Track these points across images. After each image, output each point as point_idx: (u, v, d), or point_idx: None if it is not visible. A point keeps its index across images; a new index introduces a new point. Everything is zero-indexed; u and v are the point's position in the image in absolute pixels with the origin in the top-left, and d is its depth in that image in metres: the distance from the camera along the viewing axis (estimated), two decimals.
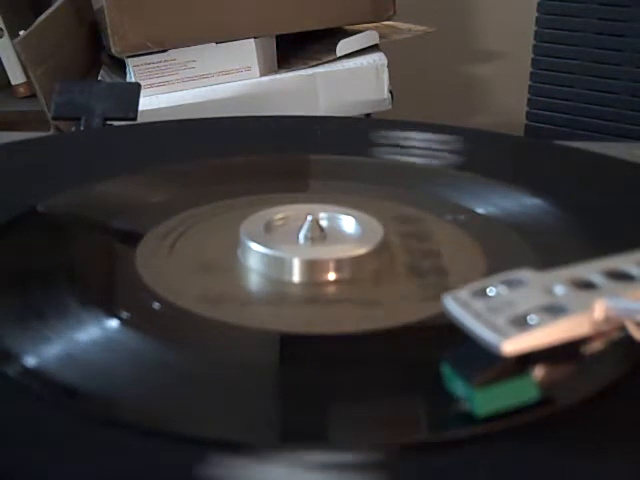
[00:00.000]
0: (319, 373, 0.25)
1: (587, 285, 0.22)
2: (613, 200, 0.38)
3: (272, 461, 0.21)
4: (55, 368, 0.24)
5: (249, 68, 0.84)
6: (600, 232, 0.33)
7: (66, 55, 0.86)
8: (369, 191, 0.38)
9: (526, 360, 0.21)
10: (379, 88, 0.85)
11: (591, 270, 0.23)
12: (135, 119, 0.53)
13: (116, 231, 0.35)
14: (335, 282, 0.30)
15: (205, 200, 0.37)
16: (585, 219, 0.35)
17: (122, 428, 0.22)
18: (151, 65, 0.82)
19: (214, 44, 0.83)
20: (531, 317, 0.21)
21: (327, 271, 0.30)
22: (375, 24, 0.90)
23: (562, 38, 0.94)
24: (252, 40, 0.83)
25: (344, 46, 0.85)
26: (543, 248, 0.33)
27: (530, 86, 0.97)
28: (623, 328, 0.22)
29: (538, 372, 0.22)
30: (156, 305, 0.28)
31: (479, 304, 0.22)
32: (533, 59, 0.97)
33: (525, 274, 0.23)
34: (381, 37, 0.88)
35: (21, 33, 0.81)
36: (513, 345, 0.21)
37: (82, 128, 0.52)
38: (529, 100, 0.98)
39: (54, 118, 0.56)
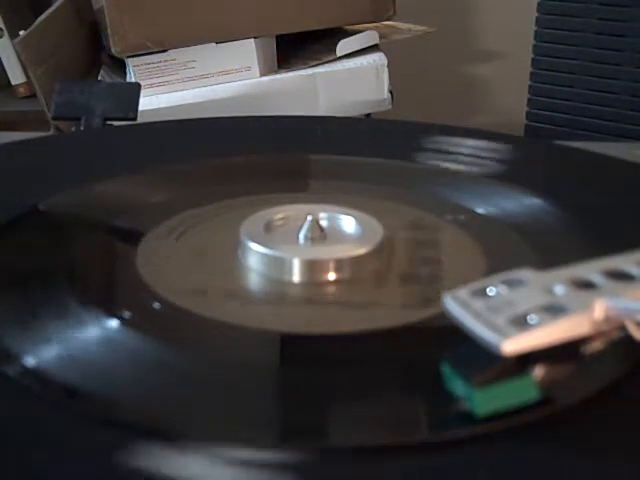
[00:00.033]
0: (319, 373, 0.25)
1: (587, 285, 0.22)
2: (613, 200, 0.38)
3: (192, 453, 0.21)
4: (55, 368, 0.24)
5: (249, 68, 0.84)
6: (600, 232, 0.33)
7: (66, 55, 0.86)
8: (369, 191, 0.38)
9: (526, 360, 0.21)
10: (379, 88, 0.85)
11: (591, 270, 0.23)
12: (135, 119, 0.53)
13: (116, 231, 0.35)
14: (335, 282, 0.30)
15: (205, 200, 0.37)
16: (585, 219, 0.35)
17: (122, 428, 0.22)
18: (151, 65, 0.82)
19: (214, 44, 0.83)
20: (531, 317, 0.21)
21: (327, 271, 0.30)
22: (375, 24, 0.90)
23: (562, 38, 0.94)
24: (252, 40, 0.83)
25: (344, 46, 0.85)
26: (543, 248, 0.33)
27: (530, 86, 0.97)
28: (623, 328, 0.22)
29: (538, 372, 0.22)
30: (156, 305, 0.28)
31: (479, 304, 0.22)
32: (533, 59, 0.97)
33: (525, 274, 0.23)
34: (381, 37, 0.88)
35: (21, 33, 0.81)
36: (513, 345, 0.21)
37: (82, 128, 0.52)
38: (529, 100, 0.98)
39: (54, 118, 0.56)
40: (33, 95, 0.92)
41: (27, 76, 0.98)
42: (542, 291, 0.22)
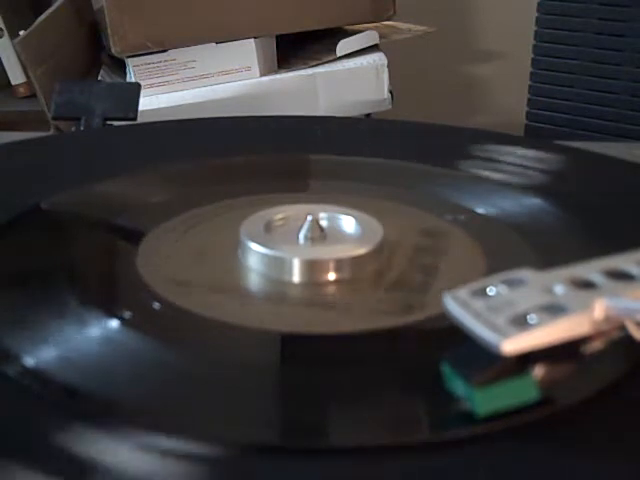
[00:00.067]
0: (319, 373, 0.25)
1: (587, 285, 0.22)
2: (613, 200, 0.38)
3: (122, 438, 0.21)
4: (55, 368, 0.24)
5: (249, 68, 0.84)
6: (600, 232, 0.33)
7: (66, 55, 0.86)
8: (369, 191, 0.38)
9: (526, 360, 0.21)
10: (379, 88, 0.85)
11: (591, 270, 0.23)
12: (135, 119, 0.53)
13: (116, 231, 0.35)
14: (335, 282, 0.30)
15: (205, 200, 0.37)
16: (585, 219, 0.35)
17: (122, 428, 0.22)
18: (151, 65, 0.82)
19: (214, 44, 0.83)
20: (531, 317, 0.21)
21: (327, 271, 0.30)
22: (375, 24, 0.90)
23: (562, 38, 0.94)
24: (252, 40, 0.83)
25: (344, 46, 0.85)
26: (543, 248, 0.33)
27: (530, 86, 0.97)
28: (623, 328, 0.22)
29: (538, 372, 0.22)
30: (156, 305, 0.28)
31: (479, 304, 0.22)
32: (533, 59, 0.97)
33: (525, 274, 0.23)
34: (381, 37, 0.88)
35: (21, 33, 0.81)
36: (513, 345, 0.21)
37: (82, 128, 0.52)
38: (529, 100, 0.98)
39: (54, 118, 0.56)
40: (33, 95, 0.92)
41: (27, 76, 0.98)
42: (542, 291, 0.22)
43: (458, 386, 0.22)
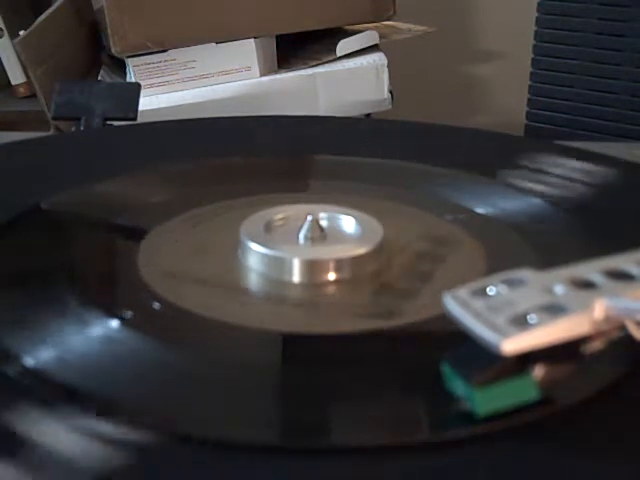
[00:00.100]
0: (319, 373, 0.25)
1: (587, 285, 0.22)
2: (613, 200, 0.38)
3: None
4: (55, 368, 0.24)
5: (249, 68, 0.84)
6: (600, 232, 0.33)
7: (66, 55, 0.86)
8: (369, 191, 0.38)
9: (526, 360, 0.21)
10: (379, 88, 0.85)
11: (591, 270, 0.23)
12: (135, 119, 0.53)
13: (116, 231, 0.35)
14: (335, 282, 0.30)
15: (205, 200, 0.37)
16: (585, 219, 0.35)
17: (122, 428, 0.22)
18: (151, 65, 0.82)
19: (214, 44, 0.83)
20: (531, 316, 0.21)
21: (327, 271, 0.30)
22: (375, 24, 0.90)
23: (562, 38, 0.94)
24: (252, 40, 0.83)
25: (344, 46, 0.85)
26: (543, 248, 0.33)
27: (530, 86, 0.97)
28: (623, 328, 0.22)
29: (538, 372, 0.22)
30: (156, 305, 0.28)
31: (479, 303, 0.22)
32: (533, 59, 0.97)
33: (525, 274, 0.23)
34: (381, 37, 0.88)
35: (21, 33, 0.81)
36: (513, 344, 0.21)
37: (82, 128, 0.52)
38: (529, 100, 0.98)
39: (54, 118, 0.56)
40: (33, 95, 0.91)
41: (27, 76, 0.98)
42: (542, 291, 0.22)
43: (458, 386, 0.22)
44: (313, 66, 0.84)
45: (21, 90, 1.05)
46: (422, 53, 1.16)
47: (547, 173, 0.41)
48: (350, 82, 0.84)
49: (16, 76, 1.04)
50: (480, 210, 0.36)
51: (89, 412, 0.22)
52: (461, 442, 0.21)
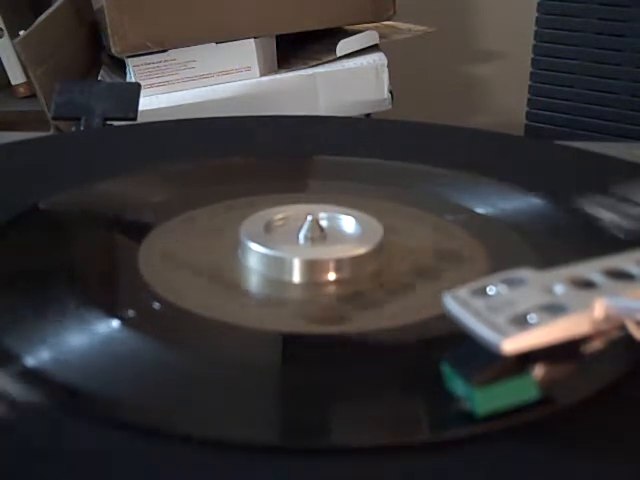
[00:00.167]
0: (319, 373, 0.25)
1: (587, 284, 0.22)
2: (613, 200, 0.37)
3: None
4: (55, 368, 0.24)
5: (249, 68, 0.84)
6: (600, 232, 0.33)
7: (66, 55, 0.86)
8: (369, 191, 0.38)
9: (526, 359, 0.21)
10: (379, 88, 0.85)
11: (591, 269, 0.23)
12: (135, 119, 0.53)
13: (116, 231, 0.35)
14: (335, 282, 0.30)
15: (205, 200, 0.37)
16: (585, 219, 0.35)
17: (122, 428, 0.22)
18: (151, 65, 0.82)
19: (214, 44, 0.83)
20: (531, 316, 0.21)
21: (327, 271, 0.30)
22: (375, 24, 0.90)
23: (562, 38, 0.94)
24: (252, 40, 0.83)
25: (344, 46, 0.85)
26: (543, 248, 0.33)
27: (530, 86, 0.97)
28: (623, 327, 0.22)
29: (538, 371, 0.22)
30: (156, 305, 0.28)
31: (479, 303, 0.22)
32: (533, 59, 0.97)
33: (525, 273, 0.23)
34: (381, 37, 0.88)
35: (21, 33, 0.81)
36: (513, 344, 0.21)
37: (82, 128, 0.52)
38: (529, 100, 0.98)
39: (54, 118, 0.56)
40: (33, 95, 0.91)
41: (27, 76, 0.98)
42: (542, 290, 0.22)
43: (458, 386, 0.22)
44: (313, 66, 0.84)
45: (21, 90, 1.05)
46: (422, 53, 1.16)
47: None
48: (350, 82, 0.84)
49: (16, 76, 1.04)
50: (480, 210, 0.36)
51: (89, 412, 0.22)
52: (461, 442, 0.21)
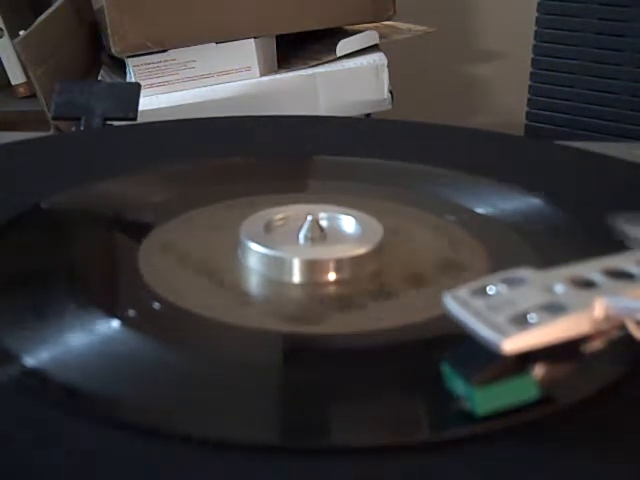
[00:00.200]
0: (319, 373, 0.25)
1: (587, 284, 0.22)
2: (613, 200, 0.37)
3: None
4: (55, 368, 0.24)
5: (249, 68, 0.84)
6: (600, 232, 0.33)
7: (66, 55, 0.86)
8: (369, 191, 0.38)
9: (526, 359, 0.21)
10: (379, 88, 0.85)
11: (591, 269, 0.23)
12: (135, 119, 0.53)
13: (116, 231, 0.35)
14: (335, 282, 0.30)
15: (205, 200, 0.37)
16: (585, 219, 0.35)
17: (122, 428, 0.22)
18: (151, 65, 0.82)
19: (214, 44, 0.83)
20: (531, 316, 0.21)
21: (327, 271, 0.30)
22: (375, 24, 0.90)
23: (562, 38, 0.94)
24: (252, 40, 0.83)
25: (344, 46, 0.85)
26: (543, 248, 0.33)
27: (530, 86, 0.97)
28: (623, 327, 0.22)
29: (538, 371, 0.22)
30: (157, 305, 0.28)
31: (479, 303, 0.22)
32: (533, 59, 0.97)
33: (525, 273, 0.23)
34: (381, 37, 0.88)
35: (21, 33, 0.81)
36: (513, 344, 0.21)
37: (82, 128, 0.52)
38: (529, 100, 0.98)
39: (54, 118, 0.56)
40: (33, 95, 0.91)
41: (27, 76, 0.98)
42: (542, 290, 0.22)
43: (458, 385, 0.22)
44: (313, 66, 0.84)
45: (21, 90, 1.05)
46: (422, 53, 1.16)
47: None
48: (350, 82, 0.84)
49: (16, 76, 1.04)
50: (480, 210, 0.36)
51: (89, 412, 0.22)
52: (461, 442, 0.21)
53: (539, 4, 0.95)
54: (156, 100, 0.82)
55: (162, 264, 0.31)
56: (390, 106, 0.85)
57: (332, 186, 0.39)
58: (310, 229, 0.31)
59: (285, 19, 0.84)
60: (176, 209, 0.36)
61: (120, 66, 0.86)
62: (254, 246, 0.30)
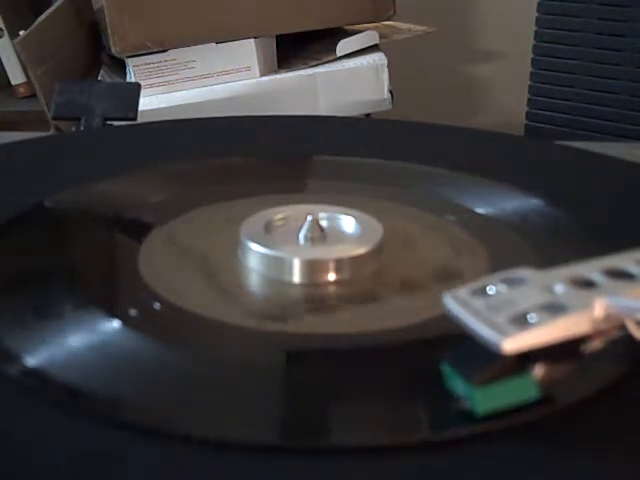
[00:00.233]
0: (319, 373, 0.25)
1: (587, 284, 0.22)
2: (613, 200, 0.38)
3: None
4: (56, 368, 0.24)
5: (249, 68, 0.84)
6: (600, 232, 0.33)
7: (66, 55, 0.86)
8: (369, 191, 0.38)
9: (526, 359, 0.21)
10: (379, 88, 0.85)
11: (591, 269, 0.23)
12: (135, 119, 0.53)
13: (116, 231, 0.35)
14: (335, 282, 0.30)
15: (205, 200, 0.37)
16: (585, 219, 0.35)
17: (122, 428, 0.22)
18: (151, 65, 0.82)
19: (214, 44, 0.83)
20: (531, 316, 0.21)
21: (327, 271, 0.30)
22: (375, 24, 0.90)
23: (562, 38, 0.94)
24: (252, 40, 0.83)
25: (344, 46, 0.85)
26: (543, 248, 0.33)
27: (530, 86, 0.97)
28: (623, 327, 0.22)
29: (538, 371, 0.22)
30: (157, 305, 0.28)
31: (479, 303, 0.22)
32: (533, 59, 0.97)
33: (525, 273, 0.23)
34: (381, 37, 0.88)
35: (21, 33, 0.81)
36: (513, 343, 0.21)
37: (82, 128, 0.52)
38: (529, 100, 0.98)
39: (54, 118, 0.56)
40: (33, 95, 0.92)
41: (27, 76, 0.98)
42: (542, 290, 0.22)
43: (458, 385, 0.22)
44: (313, 66, 0.84)
45: (21, 90, 1.05)
46: (422, 53, 1.16)
47: None
48: (350, 82, 0.84)
49: (16, 76, 1.04)
50: (480, 210, 0.36)
51: (89, 412, 0.22)
52: (461, 442, 0.21)
53: (539, 4, 0.95)
54: (156, 100, 0.82)
55: (162, 264, 0.31)
56: (390, 106, 0.85)
57: (332, 186, 0.39)
58: (310, 229, 0.31)
59: (285, 19, 0.84)
60: (176, 209, 0.36)
61: (120, 66, 0.86)
62: (254, 246, 0.30)
